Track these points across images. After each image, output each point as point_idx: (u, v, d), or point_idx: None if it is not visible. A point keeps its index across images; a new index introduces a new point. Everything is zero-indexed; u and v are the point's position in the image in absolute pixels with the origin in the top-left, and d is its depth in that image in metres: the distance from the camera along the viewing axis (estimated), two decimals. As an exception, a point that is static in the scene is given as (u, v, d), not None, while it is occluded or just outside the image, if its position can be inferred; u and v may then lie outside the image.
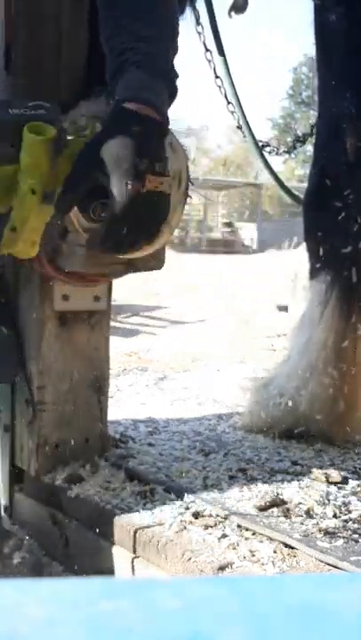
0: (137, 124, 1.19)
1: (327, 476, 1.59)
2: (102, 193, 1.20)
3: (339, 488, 1.53)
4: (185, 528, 1.33)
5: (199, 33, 2.41)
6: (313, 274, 2.00)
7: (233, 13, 2.48)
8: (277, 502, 1.42)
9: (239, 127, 2.94)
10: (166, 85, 1.29)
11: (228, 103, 2.78)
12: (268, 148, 3.01)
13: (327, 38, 1.96)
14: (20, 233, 1.23)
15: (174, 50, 1.35)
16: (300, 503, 1.43)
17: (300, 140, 3.12)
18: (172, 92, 1.31)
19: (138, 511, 1.42)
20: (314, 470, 1.64)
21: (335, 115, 1.94)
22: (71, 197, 1.22)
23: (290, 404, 1.93)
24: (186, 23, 2.03)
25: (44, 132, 1.21)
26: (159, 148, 1.22)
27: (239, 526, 1.33)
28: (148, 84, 1.24)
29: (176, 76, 1.33)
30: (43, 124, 1.21)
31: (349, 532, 1.31)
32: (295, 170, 33.71)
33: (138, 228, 1.21)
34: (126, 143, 1.17)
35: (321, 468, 1.68)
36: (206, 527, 1.33)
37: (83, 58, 1.53)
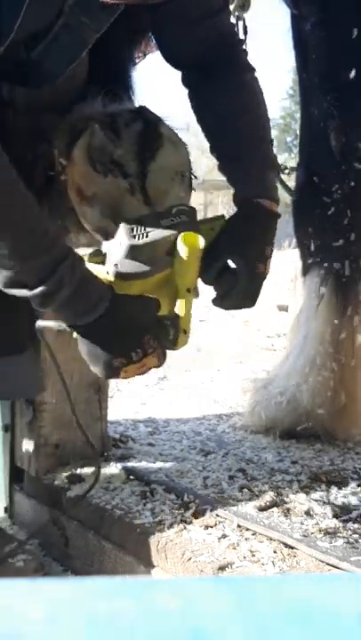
0: (267, 218, 1.48)
1: (327, 476, 1.59)
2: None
3: (339, 488, 1.53)
4: (185, 528, 1.33)
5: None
6: (306, 270, 2.01)
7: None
8: (277, 502, 1.42)
9: None
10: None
11: None
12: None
13: (305, 45, 1.99)
14: (189, 332, 1.35)
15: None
16: (300, 503, 1.43)
17: None
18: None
19: (138, 511, 1.42)
20: (314, 470, 1.64)
21: (316, 116, 1.98)
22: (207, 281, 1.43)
23: (291, 401, 1.93)
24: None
25: (195, 241, 1.32)
26: (273, 235, 1.50)
27: (239, 526, 1.33)
28: (274, 183, 1.54)
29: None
30: (193, 233, 1.32)
31: (349, 532, 1.31)
32: (295, 170, 33.64)
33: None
34: (261, 233, 1.46)
35: (321, 467, 1.68)
36: (206, 527, 1.33)
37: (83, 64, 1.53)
